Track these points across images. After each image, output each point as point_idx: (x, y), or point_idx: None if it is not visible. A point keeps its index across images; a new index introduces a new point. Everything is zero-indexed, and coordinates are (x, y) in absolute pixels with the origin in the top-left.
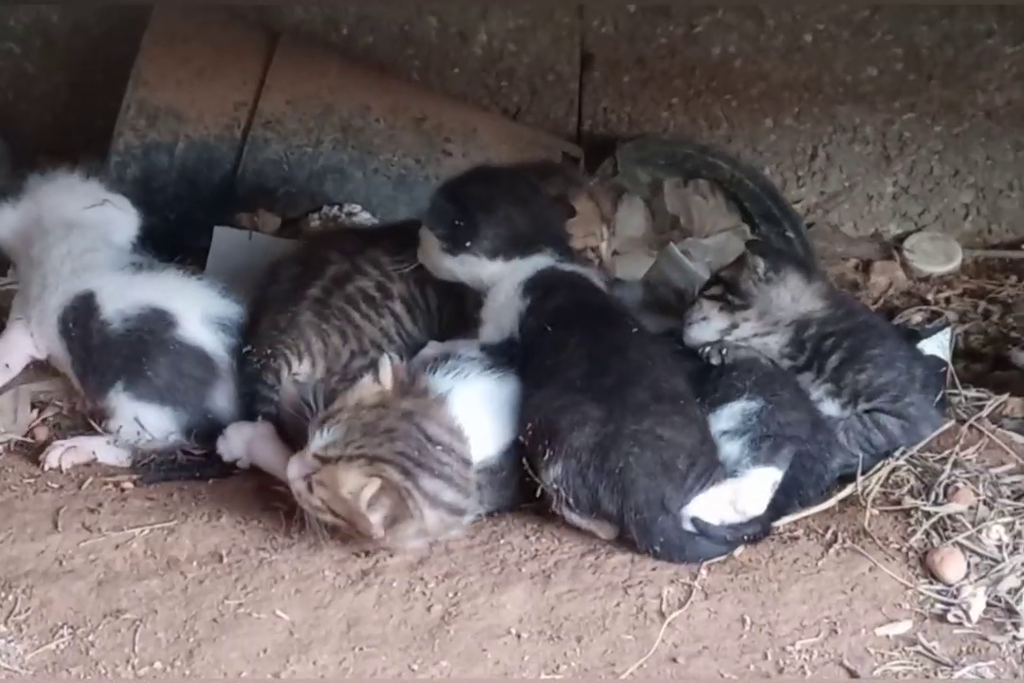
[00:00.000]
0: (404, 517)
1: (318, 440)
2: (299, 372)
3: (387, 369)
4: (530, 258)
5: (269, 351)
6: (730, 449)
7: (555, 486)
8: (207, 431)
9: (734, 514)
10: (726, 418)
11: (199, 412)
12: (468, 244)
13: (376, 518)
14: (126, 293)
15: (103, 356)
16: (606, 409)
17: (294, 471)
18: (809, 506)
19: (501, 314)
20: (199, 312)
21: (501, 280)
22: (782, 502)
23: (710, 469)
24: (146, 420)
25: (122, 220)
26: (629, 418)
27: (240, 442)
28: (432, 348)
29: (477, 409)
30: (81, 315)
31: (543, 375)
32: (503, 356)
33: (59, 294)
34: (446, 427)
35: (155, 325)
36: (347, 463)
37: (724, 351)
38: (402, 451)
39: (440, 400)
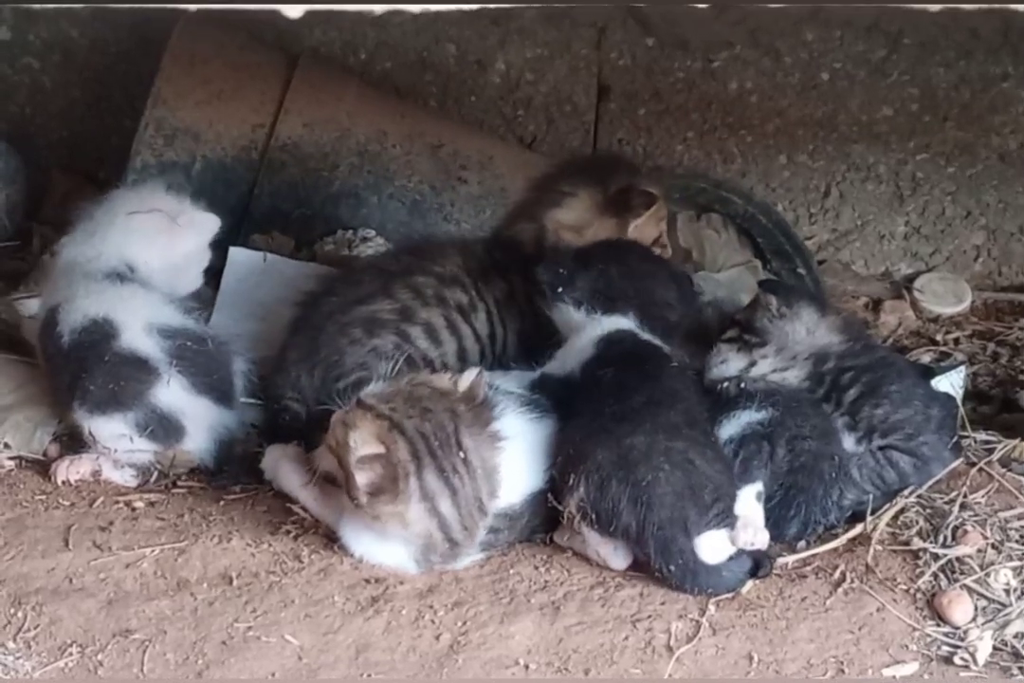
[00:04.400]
0: (389, 492)
1: (372, 388)
2: None
3: (470, 376)
4: (611, 316)
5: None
6: None
7: (579, 504)
8: (164, 428)
9: (739, 534)
10: (728, 430)
11: (145, 409)
12: (560, 290)
13: (362, 479)
14: (77, 305)
15: (58, 372)
16: (635, 424)
17: (339, 415)
18: (818, 530)
19: (569, 353)
20: (142, 320)
21: (580, 330)
22: (784, 507)
23: (728, 511)
24: (99, 431)
25: (173, 234)
26: (662, 435)
27: (271, 461)
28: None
29: (509, 450)
30: (47, 329)
31: (578, 410)
32: (552, 391)
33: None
34: (482, 456)
35: (95, 337)
36: (373, 418)
37: (743, 384)
38: (424, 433)
39: (494, 435)
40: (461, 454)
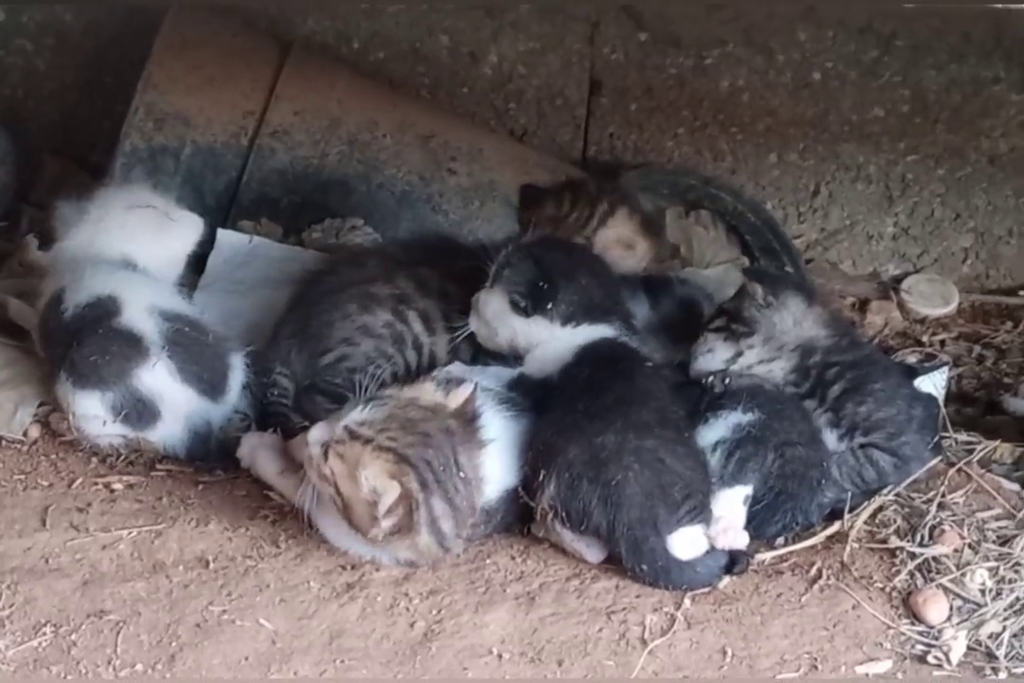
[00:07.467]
0: (406, 529)
1: (356, 414)
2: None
3: (464, 392)
4: (596, 326)
5: None
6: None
7: (550, 502)
8: (138, 412)
9: (718, 537)
10: (717, 430)
11: (124, 390)
12: (549, 306)
13: (387, 524)
14: (84, 284)
15: (54, 346)
16: (606, 423)
17: (316, 435)
18: (798, 530)
19: (545, 360)
20: (147, 301)
21: (557, 340)
22: (770, 511)
23: (701, 507)
24: (77, 407)
25: (170, 230)
26: (631, 433)
27: (248, 449)
28: (456, 369)
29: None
30: (52, 307)
31: (552, 407)
32: (529, 391)
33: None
34: (474, 466)
35: (98, 312)
36: (375, 451)
37: (727, 380)
38: (428, 460)
39: (481, 443)
40: (461, 474)
